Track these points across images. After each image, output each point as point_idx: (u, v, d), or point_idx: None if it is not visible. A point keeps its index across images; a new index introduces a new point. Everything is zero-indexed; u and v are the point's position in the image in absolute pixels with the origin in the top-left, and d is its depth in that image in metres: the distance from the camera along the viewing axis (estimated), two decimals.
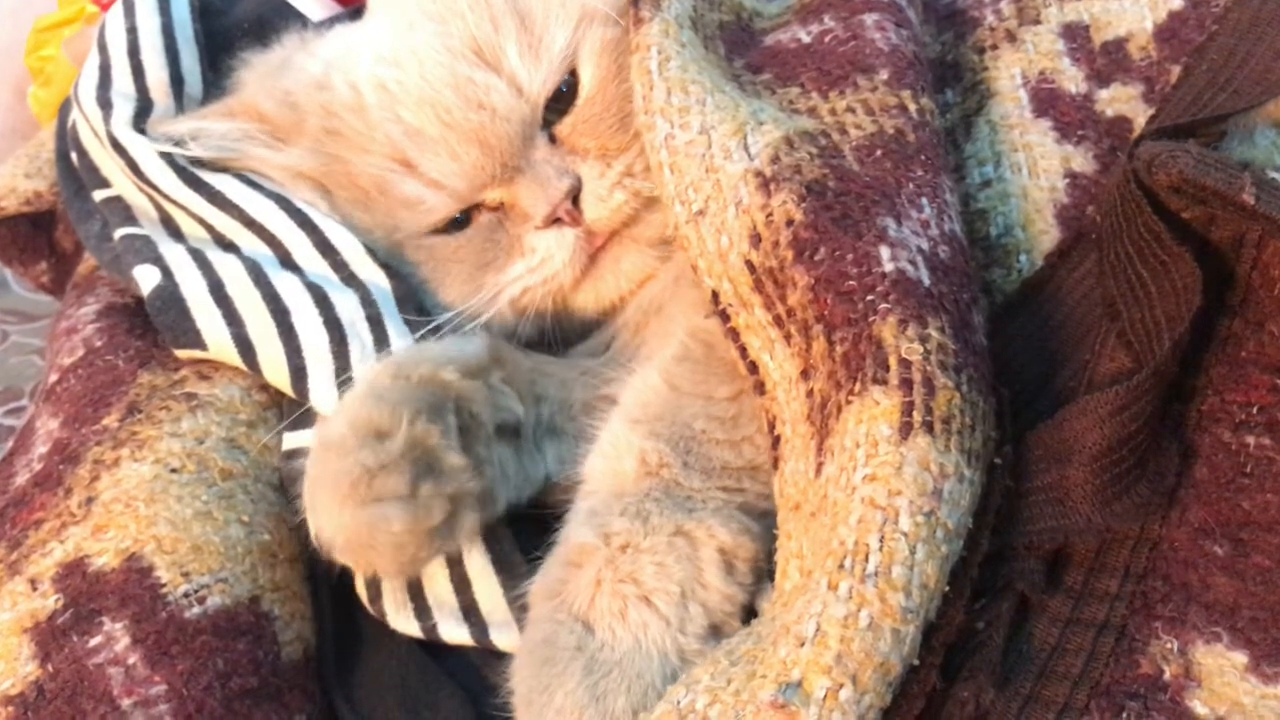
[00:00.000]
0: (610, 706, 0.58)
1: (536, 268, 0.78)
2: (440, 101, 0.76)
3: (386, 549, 0.64)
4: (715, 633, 0.61)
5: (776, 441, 0.63)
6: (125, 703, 0.63)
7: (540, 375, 0.77)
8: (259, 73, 0.86)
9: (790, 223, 0.62)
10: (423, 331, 0.76)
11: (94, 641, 0.65)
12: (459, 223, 0.80)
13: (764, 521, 0.65)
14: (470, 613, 0.70)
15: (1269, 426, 0.58)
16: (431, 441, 0.65)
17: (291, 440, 0.76)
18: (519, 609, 0.68)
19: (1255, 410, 0.59)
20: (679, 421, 0.67)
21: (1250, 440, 0.59)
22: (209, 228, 0.83)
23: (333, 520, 0.64)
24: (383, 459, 0.63)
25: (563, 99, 0.78)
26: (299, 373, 0.74)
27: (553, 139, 0.78)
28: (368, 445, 0.63)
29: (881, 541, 0.52)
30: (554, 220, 0.77)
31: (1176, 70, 0.74)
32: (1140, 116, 0.74)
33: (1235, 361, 0.60)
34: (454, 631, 0.70)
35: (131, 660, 0.65)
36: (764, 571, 0.64)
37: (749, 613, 0.63)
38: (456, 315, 0.79)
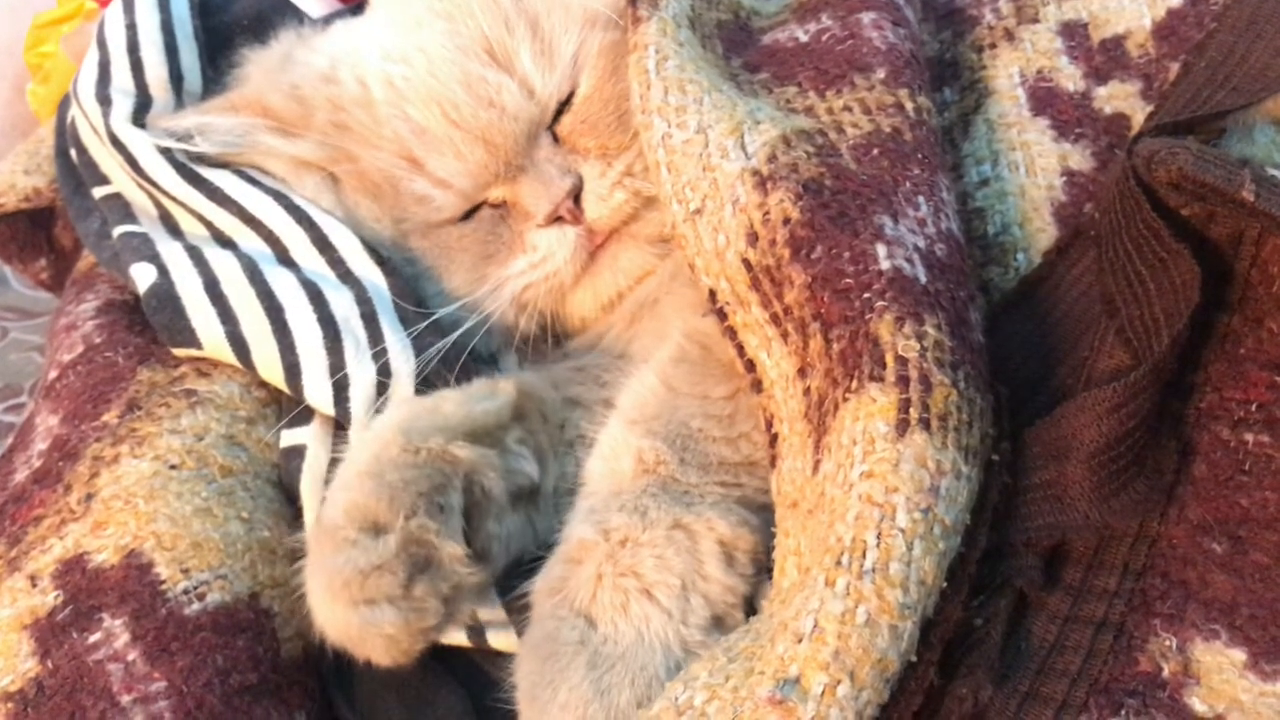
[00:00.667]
0: (615, 700, 0.59)
1: (538, 264, 0.79)
2: (448, 99, 0.76)
3: (378, 646, 0.62)
4: (718, 624, 0.61)
5: (774, 439, 0.63)
6: (125, 699, 0.63)
7: (571, 408, 0.76)
8: (262, 68, 0.86)
9: (787, 221, 0.62)
10: (421, 326, 0.76)
11: (94, 638, 0.65)
12: (463, 215, 0.80)
13: (763, 515, 0.65)
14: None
15: (1268, 424, 0.58)
16: (429, 537, 0.62)
17: (289, 437, 0.76)
18: (519, 609, 0.68)
19: (1254, 407, 0.59)
20: (676, 420, 0.67)
21: (1249, 437, 0.59)
22: (208, 224, 0.83)
23: (325, 613, 0.62)
24: (375, 560, 0.60)
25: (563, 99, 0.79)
26: (293, 370, 0.74)
27: (554, 138, 0.79)
28: (362, 543, 0.61)
29: (879, 538, 0.52)
30: (556, 219, 0.77)
31: (1175, 67, 0.74)
32: (1138, 113, 0.74)
33: (1234, 358, 0.60)
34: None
35: (131, 657, 0.65)
36: (764, 564, 0.64)
37: (751, 606, 0.63)
38: (458, 307, 0.79)
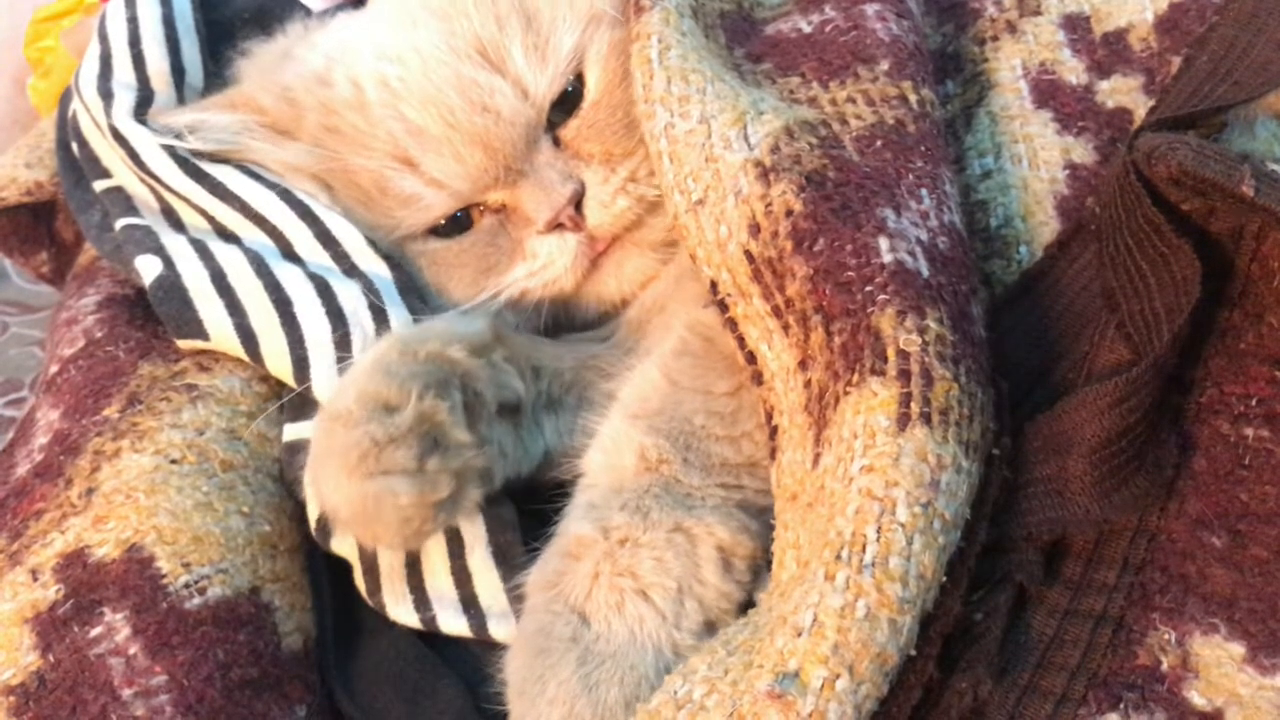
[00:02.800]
0: (602, 697, 0.59)
1: (538, 272, 0.78)
2: (444, 102, 0.75)
3: (392, 522, 0.64)
4: (710, 629, 0.61)
5: (774, 432, 0.63)
6: (126, 693, 0.63)
7: (534, 348, 0.77)
8: (259, 65, 0.86)
9: (789, 213, 0.62)
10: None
11: (95, 632, 0.65)
12: (459, 224, 0.79)
13: (762, 518, 0.65)
14: (470, 605, 0.70)
15: (1267, 418, 0.58)
16: (439, 417, 0.64)
17: (292, 432, 0.76)
18: (516, 600, 0.68)
19: (1254, 402, 0.59)
20: (678, 417, 0.67)
21: (1249, 432, 0.59)
22: (210, 219, 0.83)
23: (339, 491, 0.64)
24: (391, 432, 0.63)
25: (568, 101, 0.78)
26: (301, 363, 0.74)
27: (556, 142, 0.77)
28: (376, 418, 0.63)
29: (879, 532, 0.52)
30: (556, 225, 0.77)
31: (1177, 61, 0.74)
32: (1141, 108, 0.74)
33: (1234, 353, 0.61)
34: (453, 623, 0.70)
35: (132, 650, 0.65)
36: (762, 568, 0.64)
37: (745, 611, 0.63)
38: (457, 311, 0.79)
